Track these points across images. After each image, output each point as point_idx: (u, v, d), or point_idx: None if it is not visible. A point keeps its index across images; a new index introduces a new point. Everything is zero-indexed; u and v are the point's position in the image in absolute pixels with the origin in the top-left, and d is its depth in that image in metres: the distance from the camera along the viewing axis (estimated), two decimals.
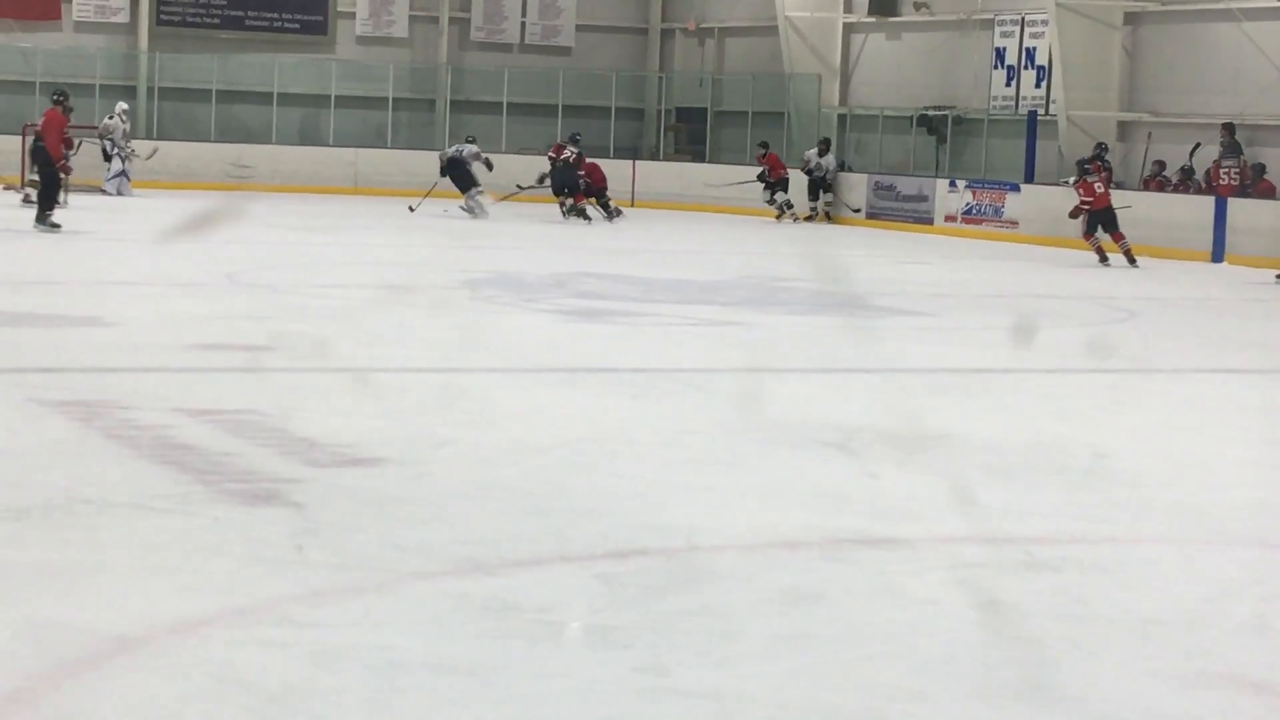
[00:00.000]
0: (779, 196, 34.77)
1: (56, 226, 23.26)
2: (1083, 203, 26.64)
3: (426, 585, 7.09)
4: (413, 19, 41.14)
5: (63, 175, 25.20)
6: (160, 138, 36.12)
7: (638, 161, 39.54)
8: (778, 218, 34.61)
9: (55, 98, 25.18)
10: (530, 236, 28.61)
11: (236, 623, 6.43)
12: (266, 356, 13.47)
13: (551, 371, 13.59)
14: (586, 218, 32.06)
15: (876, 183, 35.03)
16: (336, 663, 5.96)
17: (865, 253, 27.96)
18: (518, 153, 38.63)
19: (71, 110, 26.01)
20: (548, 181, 32.79)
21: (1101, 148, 30.93)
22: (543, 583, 7.22)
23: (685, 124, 41.88)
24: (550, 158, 33.07)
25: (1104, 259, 26.54)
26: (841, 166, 36.17)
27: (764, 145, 36.01)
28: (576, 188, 32.49)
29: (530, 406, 11.73)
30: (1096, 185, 26.69)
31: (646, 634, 6.47)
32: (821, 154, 35.63)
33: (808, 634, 6.57)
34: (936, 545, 8.15)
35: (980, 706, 5.79)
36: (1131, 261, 26.42)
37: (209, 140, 37.91)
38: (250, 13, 39.95)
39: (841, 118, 38.44)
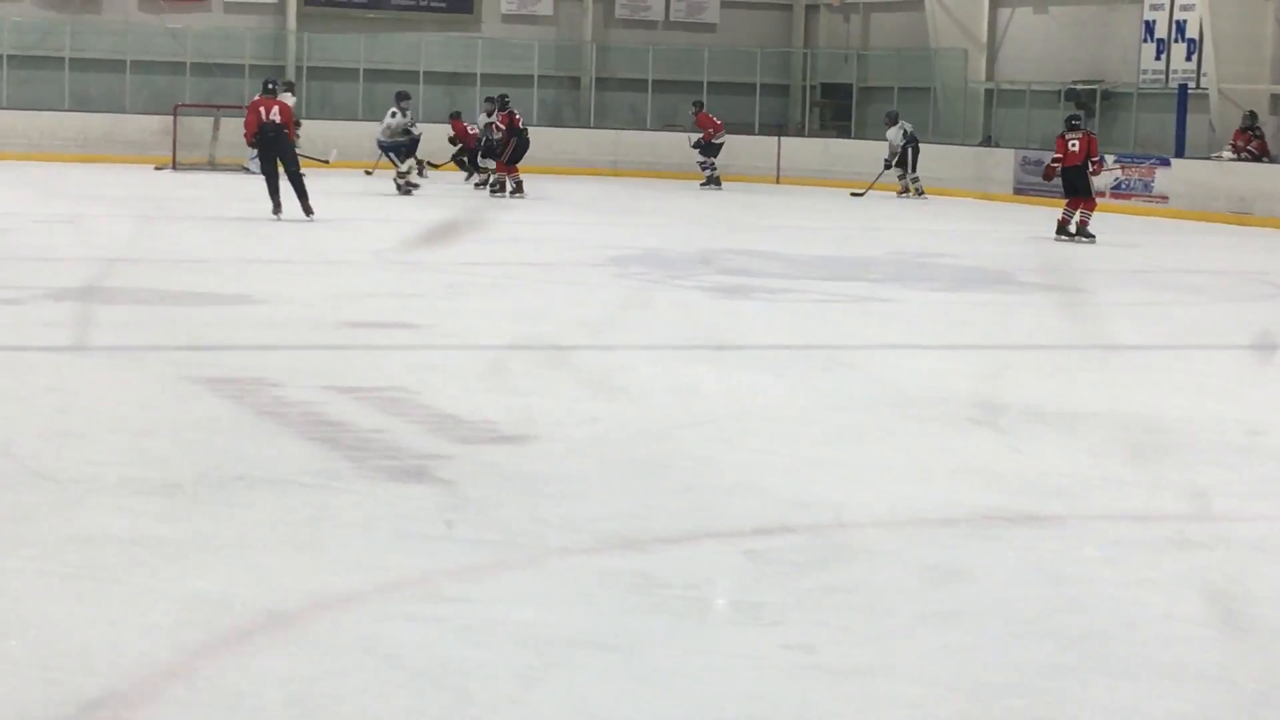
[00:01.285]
0: (906, 178, 34.27)
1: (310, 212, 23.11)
2: (1054, 160, 25.06)
3: (573, 561, 7.12)
4: None
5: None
6: (308, 118, 36.39)
7: (782, 138, 39.43)
8: (900, 193, 34.23)
9: (271, 85, 23.78)
10: (671, 212, 28.59)
11: (387, 597, 6.48)
12: (415, 334, 13.56)
13: (698, 348, 13.59)
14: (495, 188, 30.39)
15: (1024, 158, 34.71)
16: (485, 637, 6.00)
17: (1013, 229, 27.75)
18: (663, 129, 38.66)
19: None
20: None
21: (1252, 117, 30.50)
22: (689, 559, 7.22)
23: (830, 100, 41.73)
24: (500, 127, 30.58)
25: (1062, 231, 24.79)
26: (910, 140, 34.53)
27: (696, 104, 35.89)
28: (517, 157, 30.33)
29: (677, 383, 11.73)
30: (1071, 143, 24.58)
31: (794, 611, 6.46)
32: (888, 127, 34.80)
33: (955, 611, 6.53)
34: (1085, 522, 8.09)
35: (1129, 685, 5.74)
36: (1081, 233, 24.51)
37: (355, 119, 38.15)
38: None
39: (988, 93, 38.14)
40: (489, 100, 32.21)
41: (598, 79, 40.95)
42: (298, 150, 24.71)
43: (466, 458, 8.90)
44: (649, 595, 6.59)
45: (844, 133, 40.17)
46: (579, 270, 18.90)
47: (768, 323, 15.42)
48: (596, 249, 21.21)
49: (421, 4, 40.32)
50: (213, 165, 34.20)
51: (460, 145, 34.31)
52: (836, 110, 41.37)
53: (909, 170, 34.45)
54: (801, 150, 38.76)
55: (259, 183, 24.15)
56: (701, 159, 34.37)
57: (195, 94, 37.52)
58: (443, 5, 40.47)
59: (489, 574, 6.87)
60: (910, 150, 34.41)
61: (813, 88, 42.03)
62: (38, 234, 18.92)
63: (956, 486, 8.69)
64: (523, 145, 30.14)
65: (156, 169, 32.84)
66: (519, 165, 29.88)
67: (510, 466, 8.74)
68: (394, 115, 30.76)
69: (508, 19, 40.94)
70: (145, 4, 38.68)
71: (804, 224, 27.45)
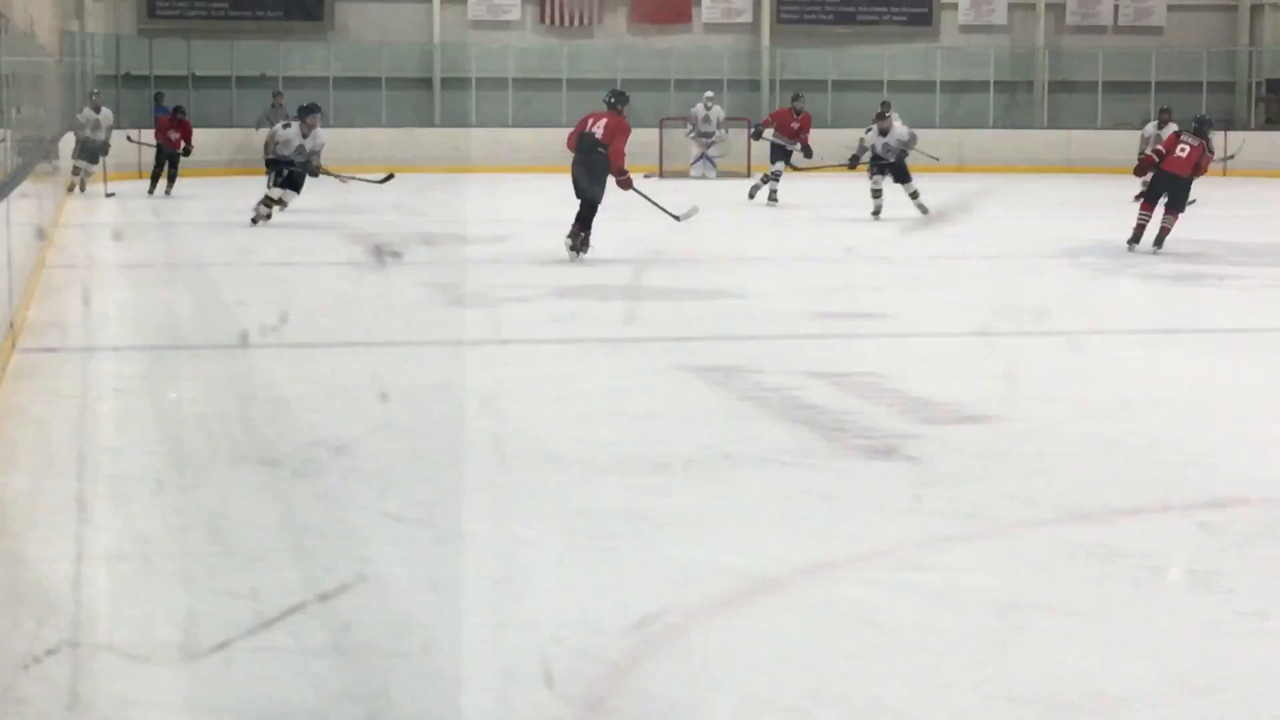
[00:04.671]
0: None
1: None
2: (1153, 152, 19.96)
3: (1036, 532, 7.04)
4: (1011, 6, 40.74)
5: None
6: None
7: (1229, 132, 38.29)
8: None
9: (610, 100, 18.54)
10: (1121, 204, 27.99)
11: (863, 566, 6.50)
12: (885, 323, 13.56)
13: (1153, 332, 13.33)
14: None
15: None
16: (956, 603, 5.98)
17: None
18: (1113, 128, 37.88)
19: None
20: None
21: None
22: (1146, 530, 7.08)
23: (1276, 96, 40.36)
24: None
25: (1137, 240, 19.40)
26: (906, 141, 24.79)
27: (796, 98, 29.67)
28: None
29: (1133, 365, 11.52)
30: (1182, 148, 19.32)
31: (1248, 579, 6.29)
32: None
33: None
34: None
35: None
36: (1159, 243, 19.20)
37: (825, 127, 38.25)
38: (861, 8, 40.20)
39: None
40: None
41: (1050, 82, 40.34)
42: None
43: (935, 436, 8.87)
44: (1109, 564, 6.49)
45: None
46: (1034, 260, 18.64)
47: (1221, 307, 15.01)
48: (1047, 241, 20.88)
49: (884, 19, 40.26)
50: (662, 174, 34.54)
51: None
52: None
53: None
54: (1252, 143, 37.54)
55: (701, 185, 24.14)
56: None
57: (678, 108, 38.07)
58: (904, 19, 40.35)
59: (957, 545, 6.84)
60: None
61: (1258, 84, 40.70)
62: (538, 239, 19.40)
63: None
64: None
65: (645, 177, 33.39)
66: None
67: (975, 444, 8.68)
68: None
69: (965, 29, 40.60)
70: (634, 26, 39.41)
71: (1250, 213, 26.59)
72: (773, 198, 27.04)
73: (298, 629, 5.69)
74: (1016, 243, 20.97)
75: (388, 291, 15.75)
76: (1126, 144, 33.73)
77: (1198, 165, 19.21)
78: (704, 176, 33.39)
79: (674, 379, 10.77)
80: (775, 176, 27.37)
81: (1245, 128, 39.35)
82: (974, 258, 19.25)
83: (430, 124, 37.64)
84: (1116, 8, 41.09)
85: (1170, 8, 41.08)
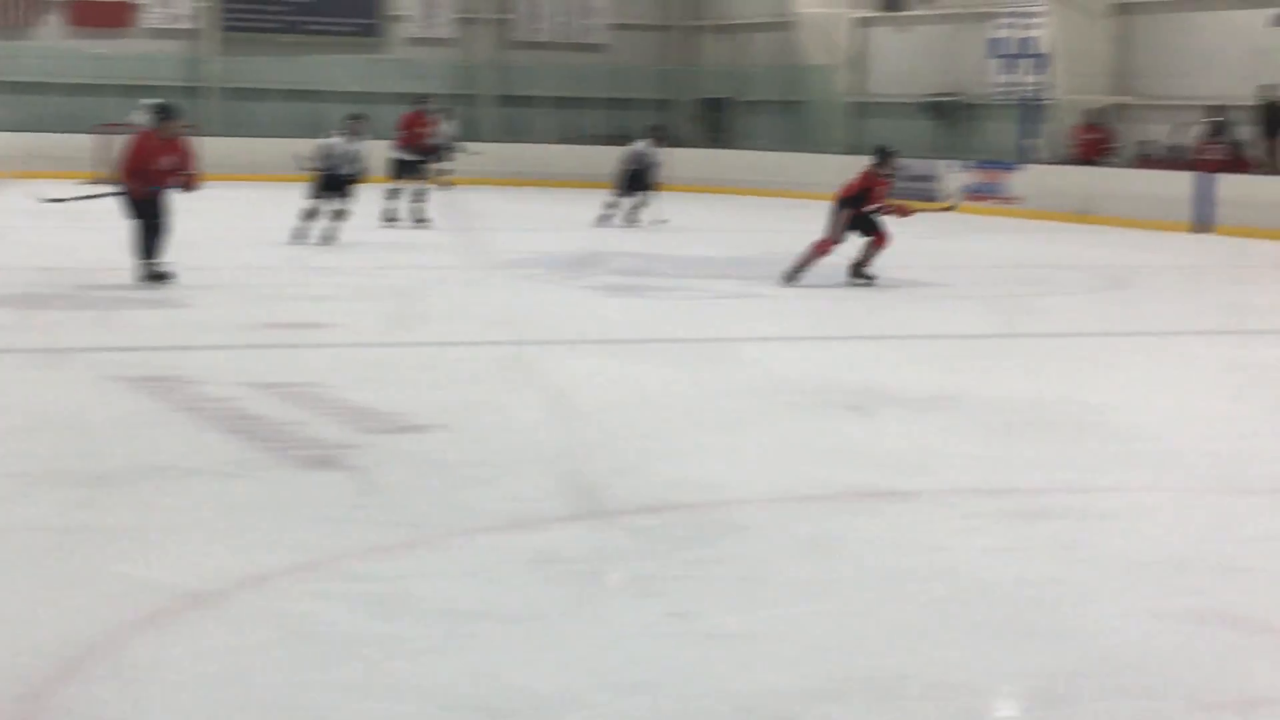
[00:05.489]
0: None
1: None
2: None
3: (476, 541, 7.09)
4: (459, 20, 41.02)
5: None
6: (226, 134, 36.01)
7: (668, 148, 39.41)
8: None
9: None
10: (577, 218, 28.54)
11: (303, 577, 6.44)
12: (328, 333, 13.49)
13: (590, 343, 13.59)
14: None
15: None
16: (395, 612, 5.98)
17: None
18: (558, 141, 38.59)
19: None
20: None
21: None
22: (581, 537, 7.22)
23: (712, 113, 41.72)
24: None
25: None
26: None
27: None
28: None
29: (571, 375, 11.72)
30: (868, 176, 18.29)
31: (677, 582, 6.47)
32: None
33: (826, 579, 6.57)
34: (943, 497, 8.13)
35: (982, 643, 5.78)
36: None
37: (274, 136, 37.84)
38: (308, 18, 39.94)
39: (857, 105, 38.34)
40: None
41: (498, 96, 40.82)
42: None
43: (376, 446, 8.87)
44: (545, 570, 6.59)
45: (725, 144, 40.21)
46: (477, 272, 18.81)
47: (655, 318, 15.42)
48: (491, 252, 21.09)
49: (332, 28, 40.06)
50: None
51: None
52: (716, 123, 41.37)
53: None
54: (686, 160, 38.75)
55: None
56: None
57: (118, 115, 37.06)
58: (352, 29, 40.24)
59: (397, 554, 6.84)
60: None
61: (695, 102, 42.04)
62: None
63: (828, 465, 8.72)
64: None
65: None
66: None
67: (417, 454, 8.71)
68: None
69: (414, 41, 40.74)
70: (72, 30, 38.29)
71: (688, 226, 27.38)
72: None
73: None
74: (457, 255, 21.11)
75: None
76: (582, 158, 34.41)
77: (869, 192, 18.04)
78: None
79: (106, 390, 10.48)
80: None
81: (682, 144, 40.62)
82: (425, 269, 19.32)
83: None
84: (561, 25, 41.86)
85: (612, 26, 42.08)
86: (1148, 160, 31.03)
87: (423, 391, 10.75)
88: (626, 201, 27.16)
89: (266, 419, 9.53)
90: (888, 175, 18.46)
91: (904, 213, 18.55)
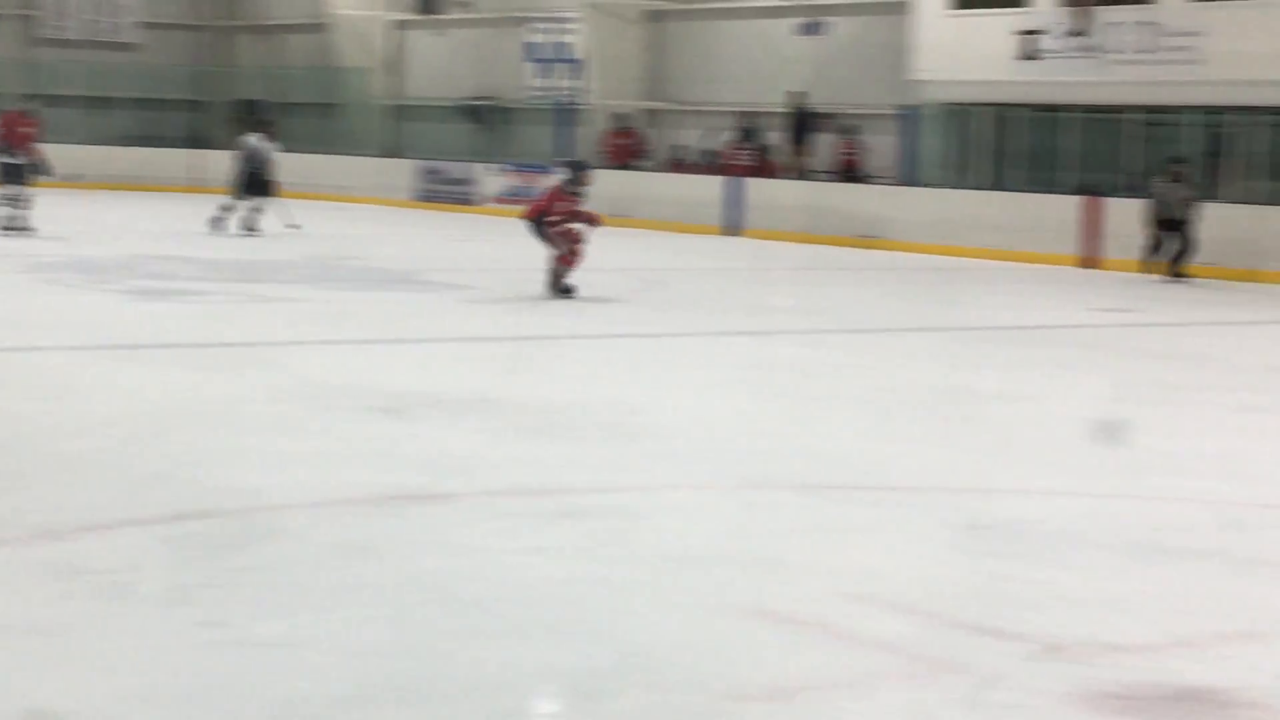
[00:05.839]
0: None
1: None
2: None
3: (1, 552, 6.84)
4: None
5: None
6: None
7: (205, 150, 38.78)
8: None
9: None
10: (105, 222, 27.84)
11: None
12: None
13: (121, 348, 13.26)
14: None
15: (425, 168, 35.01)
16: None
17: (413, 232, 27.90)
18: (94, 143, 37.57)
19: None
20: None
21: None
22: (112, 547, 7.03)
23: (250, 115, 41.12)
24: None
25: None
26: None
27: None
28: None
29: (101, 381, 11.44)
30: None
31: (211, 590, 6.35)
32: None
33: (365, 583, 6.52)
34: (482, 498, 8.17)
35: (520, 642, 5.81)
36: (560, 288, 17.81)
37: None
38: None
39: (394, 108, 38.30)
40: None
41: (34, 95, 39.57)
42: None
43: None
44: (73, 581, 6.40)
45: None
46: (3, 276, 18.22)
47: (187, 322, 15.13)
48: (17, 257, 20.44)
49: None
50: None
51: None
52: (252, 125, 40.80)
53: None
54: (219, 162, 38.12)
55: None
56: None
57: None
58: None
59: None
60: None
61: (231, 103, 41.42)
62: None
63: (368, 469, 8.69)
64: None
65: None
66: None
67: None
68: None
69: None
70: None
71: (226, 229, 26.92)
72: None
73: None
74: None
75: None
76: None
77: (546, 211, 17.68)
78: None
79: None
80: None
81: (220, 146, 39.99)
82: None
83: None
84: (89, 23, 40.78)
85: (143, 25, 41.18)
86: (680, 164, 31.81)
87: None
88: (243, 204, 26.11)
89: None
90: (574, 193, 17.88)
91: (594, 223, 18.06)
